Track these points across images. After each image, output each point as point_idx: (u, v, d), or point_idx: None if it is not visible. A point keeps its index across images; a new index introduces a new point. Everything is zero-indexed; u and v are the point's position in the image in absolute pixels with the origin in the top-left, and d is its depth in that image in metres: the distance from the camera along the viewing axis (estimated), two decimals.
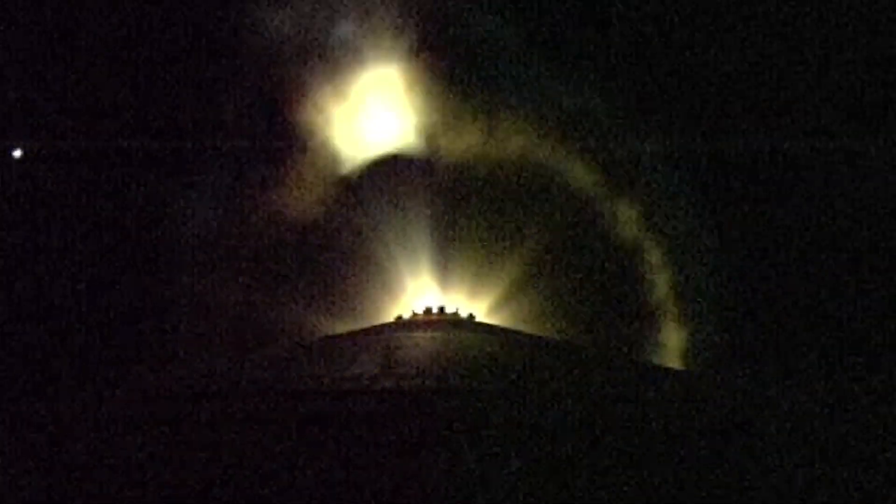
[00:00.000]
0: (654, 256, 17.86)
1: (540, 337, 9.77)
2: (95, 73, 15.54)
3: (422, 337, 7.53)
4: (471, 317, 12.94)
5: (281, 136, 17.42)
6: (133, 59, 15.84)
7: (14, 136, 15.46)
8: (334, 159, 17.85)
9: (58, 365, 14.32)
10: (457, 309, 13.36)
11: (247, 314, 16.65)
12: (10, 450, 3.68)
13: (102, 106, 15.70)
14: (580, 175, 17.89)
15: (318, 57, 17.08)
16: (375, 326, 10.47)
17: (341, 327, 15.95)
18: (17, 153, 15.62)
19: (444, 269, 17.38)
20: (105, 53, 15.51)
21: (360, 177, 17.80)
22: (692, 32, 16.40)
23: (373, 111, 17.99)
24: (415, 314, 12.83)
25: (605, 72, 17.37)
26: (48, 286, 15.09)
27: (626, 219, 17.93)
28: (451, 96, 17.55)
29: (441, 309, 13.23)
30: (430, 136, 17.81)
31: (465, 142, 17.75)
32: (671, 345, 17.48)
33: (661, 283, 17.79)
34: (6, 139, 15.35)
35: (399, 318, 12.71)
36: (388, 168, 17.73)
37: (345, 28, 17.23)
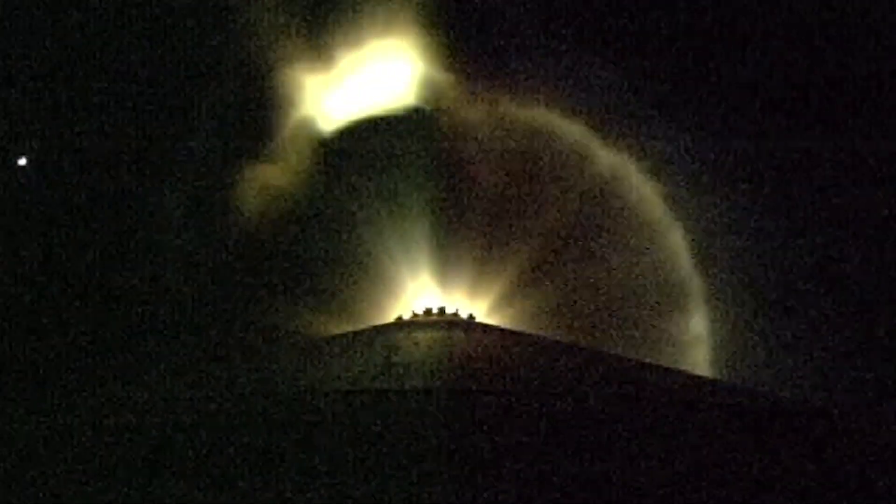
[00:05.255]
0: (662, 255, 17.76)
1: (541, 337, 9.75)
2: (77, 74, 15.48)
3: (422, 337, 7.51)
4: (471, 317, 12.91)
5: (276, 130, 17.37)
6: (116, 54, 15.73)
7: (17, 144, 15.45)
8: (332, 158, 17.81)
9: (56, 366, 14.31)
10: (457, 309, 13.33)
11: (246, 314, 16.63)
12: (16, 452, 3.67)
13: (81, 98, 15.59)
14: (586, 170, 17.78)
15: (312, 44, 16.97)
16: (375, 326, 10.46)
17: (341, 327, 15.92)
18: (22, 161, 15.63)
19: (444, 269, 17.35)
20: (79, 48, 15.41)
21: (360, 175, 17.77)
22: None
23: (372, 107, 17.95)
24: (415, 314, 12.81)
25: (621, 54, 16.83)
26: (40, 289, 15.07)
27: (633, 216, 17.81)
28: (453, 90, 17.47)
29: (441, 309, 13.20)
30: (430, 133, 17.76)
31: (467, 137, 17.66)
32: (677, 346, 17.42)
33: (669, 283, 17.71)
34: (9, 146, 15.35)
35: (399, 318, 12.69)
36: (388, 166, 17.70)
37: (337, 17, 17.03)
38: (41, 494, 2.91)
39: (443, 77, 17.52)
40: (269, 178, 17.25)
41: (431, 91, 17.65)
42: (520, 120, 17.70)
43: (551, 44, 16.99)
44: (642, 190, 17.78)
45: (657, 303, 17.66)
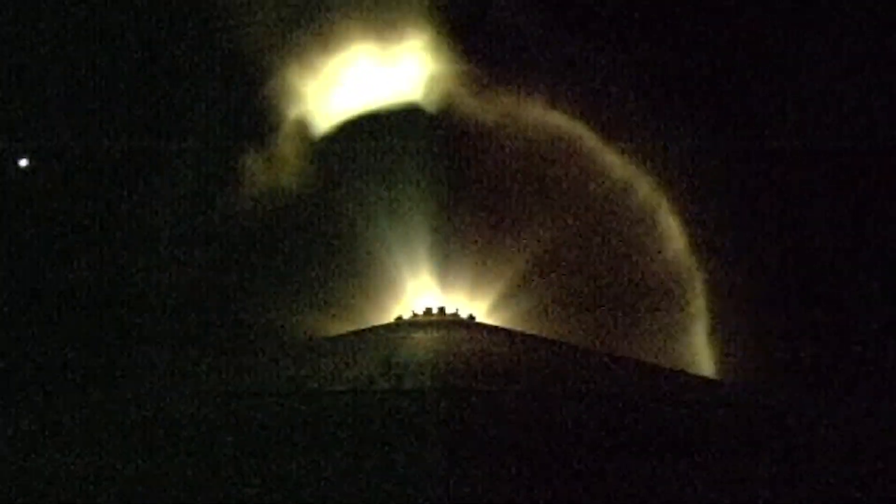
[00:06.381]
0: (662, 255, 17.71)
1: (540, 337, 9.77)
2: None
3: (422, 337, 7.52)
4: (471, 317, 12.93)
5: (275, 130, 17.34)
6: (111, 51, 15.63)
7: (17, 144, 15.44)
8: (332, 157, 17.80)
9: (57, 365, 14.31)
10: (457, 309, 13.34)
11: (246, 314, 16.63)
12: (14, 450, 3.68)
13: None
14: (587, 170, 17.72)
15: (312, 41, 16.89)
16: (375, 326, 10.47)
17: (341, 327, 15.92)
18: (24, 162, 15.64)
19: (444, 269, 17.34)
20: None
21: (360, 174, 17.77)
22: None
23: (373, 106, 17.92)
24: (415, 314, 12.82)
25: (625, 53, 16.57)
26: (34, 286, 15.07)
27: (634, 216, 17.75)
28: (454, 89, 17.42)
29: (441, 309, 13.21)
30: (431, 132, 17.72)
31: (468, 137, 17.60)
32: (677, 345, 17.38)
33: (670, 283, 17.67)
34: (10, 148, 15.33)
35: (399, 318, 12.71)
36: (389, 165, 17.68)
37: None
38: (42, 492, 2.92)
39: (444, 75, 17.51)
40: (268, 178, 17.26)
41: (433, 89, 17.65)
42: (521, 119, 17.68)
43: (554, 42, 16.93)
44: (643, 190, 17.76)
45: (657, 303, 17.64)
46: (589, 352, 7.71)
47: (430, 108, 17.78)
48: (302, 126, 17.63)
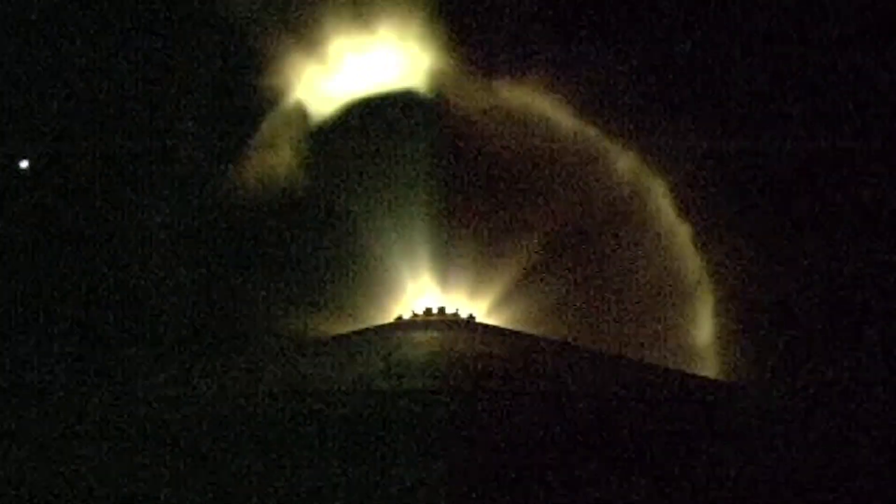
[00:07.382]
0: (664, 254, 17.68)
1: (540, 337, 9.77)
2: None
3: (422, 337, 7.52)
4: (471, 317, 12.95)
5: (275, 128, 17.32)
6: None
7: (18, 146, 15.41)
8: (332, 157, 17.79)
9: (50, 367, 14.32)
10: (457, 309, 13.36)
11: (247, 315, 16.63)
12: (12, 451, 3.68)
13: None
14: (589, 168, 17.66)
15: (310, 33, 16.77)
16: (375, 326, 10.48)
17: (341, 327, 15.92)
18: (24, 163, 15.62)
19: (444, 269, 17.33)
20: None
21: (360, 174, 17.76)
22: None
23: (373, 104, 17.87)
24: (415, 314, 12.84)
25: (630, 49, 16.41)
26: (34, 287, 15.05)
27: (635, 215, 17.69)
28: (457, 85, 17.36)
29: (441, 309, 13.23)
30: (432, 130, 17.68)
31: (470, 135, 17.55)
32: (677, 346, 17.36)
33: (670, 283, 17.64)
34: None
35: (399, 318, 12.72)
36: (389, 164, 17.66)
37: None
38: (45, 491, 2.93)
39: (446, 73, 17.45)
40: (268, 178, 17.25)
41: (434, 88, 17.59)
42: (522, 119, 17.63)
43: (558, 38, 16.79)
44: (645, 189, 17.71)
45: (658, 303, 17.60)
46: (589, 352, 7.71)
47: (432, 106, 17.76)
48: (300, 125, 17.63)
